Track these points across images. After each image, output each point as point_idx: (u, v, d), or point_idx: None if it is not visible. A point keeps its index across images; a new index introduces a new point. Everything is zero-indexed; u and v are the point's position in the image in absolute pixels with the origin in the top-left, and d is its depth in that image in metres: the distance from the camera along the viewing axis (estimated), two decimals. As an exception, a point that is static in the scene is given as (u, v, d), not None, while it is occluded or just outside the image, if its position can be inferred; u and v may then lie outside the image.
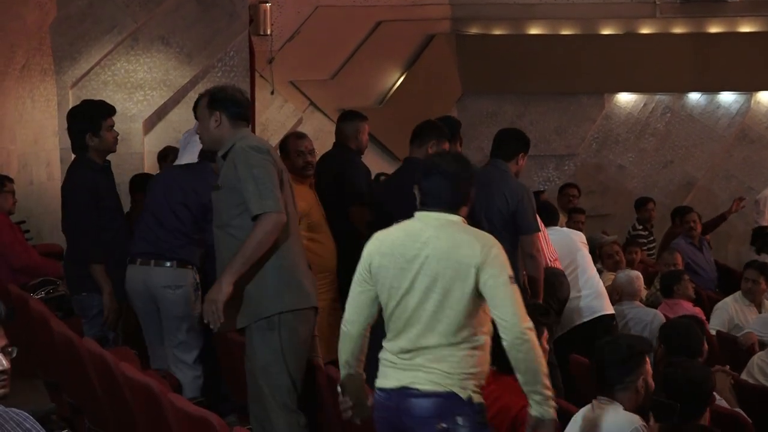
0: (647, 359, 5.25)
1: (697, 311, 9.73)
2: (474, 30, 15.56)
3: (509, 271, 4.98)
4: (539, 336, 5.64)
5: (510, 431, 5.43)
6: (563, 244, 8.77)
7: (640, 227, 13.74)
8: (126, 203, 8.66)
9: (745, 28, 15.67)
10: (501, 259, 4.98)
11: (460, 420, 4.98)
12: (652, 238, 13.79)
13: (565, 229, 9.33)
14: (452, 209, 5.12)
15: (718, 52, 15.48)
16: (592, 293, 8.66)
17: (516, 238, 8.04)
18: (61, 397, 7.25)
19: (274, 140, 13.85)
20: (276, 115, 13.98)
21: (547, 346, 5.74)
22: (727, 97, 15.84)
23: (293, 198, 6.38)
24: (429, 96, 14.67)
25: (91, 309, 7.65)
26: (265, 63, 13.68)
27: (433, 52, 15.21)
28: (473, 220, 5.74)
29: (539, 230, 8.13)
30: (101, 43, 11.41)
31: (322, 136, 13.82)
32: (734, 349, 9.08)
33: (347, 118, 9.33)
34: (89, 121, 7.64)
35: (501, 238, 5.44)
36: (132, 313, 7.87)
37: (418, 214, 5.17)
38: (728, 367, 7.24)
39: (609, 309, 8.75)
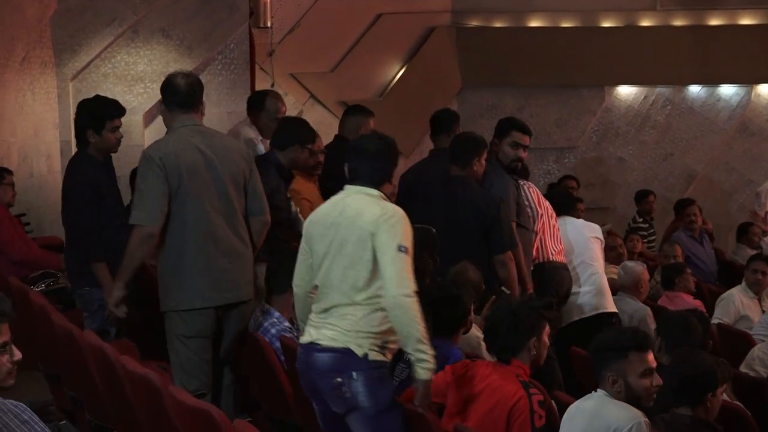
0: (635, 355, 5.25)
1: (698, 304, 9.74)
2: (474, 22, 15.56)
3: (400, 242, 5.41)
4: (541, 331, 5.67)
5: (508, 421, 5.45)
6: (572, 236, 8.72)
7: (641, 220, 13.76)
8: (126, 196, 8.65)
9: (746, 21, 15.66)
10: (395, 230, 5.44)
11: (355, 375, 5.41)
12: (652, 230, 13.80)
13: (579, 221, 9.17)
14: (373, 184, 5.63)
15: (719, 45, 15.47)
16: (593, 290, 8.62)
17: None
18: (61, 390, 7.25)
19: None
20: (276, 108, 13.98)
21: (547, 341, 5.75)
22: (728, 90, 15.83)
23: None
24: (429, 88, 14.67)
25: (93, 303, 7.63)
26: (266, 55, 13.67)
27: (434, 44, 15.20)
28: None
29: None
30: (101, 36, 11.40)
31: (322, 129, 13.71)
32: (734, 342, 9.09)
33: (350, 112, 9.41)
34: (92, 118, 7.56)
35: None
36: (133, 306, 7.88)
37: (345, 188, 5.72)
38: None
39: (610, 307, 8.70)
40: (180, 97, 6.74)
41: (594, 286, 8.63)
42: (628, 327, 5.50)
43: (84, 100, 8.10)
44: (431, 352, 5.37)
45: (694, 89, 15.87)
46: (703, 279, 11.84)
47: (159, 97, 7.35)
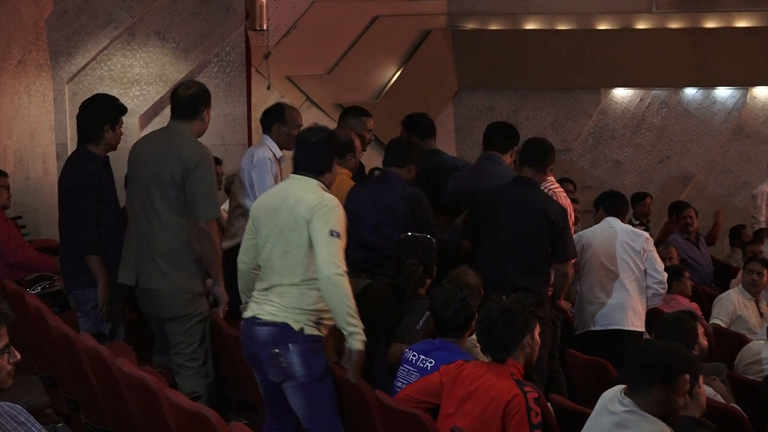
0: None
1: (694, 306, 9.76)
2: (470, 25, 15.56)
3: (333, 227, 5.94)
4: (534, 328, 5.71)
5: (503, 418, 5.45)
6: (604, 242, 8.63)
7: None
8: (122, 198, 8.64)
9: (742, 24, 15.68)
10: (328, 216, 5.97)
11: (291, 347, 5.98)
12: (649, 233, 13.80)
13: (627, 227, 8.91)
14: (314, 174, 6.18)
15: (715, 48, 15.49)
16: (615, 303, 8.46)
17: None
18: (57, 392, 7.24)
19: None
20: (272, 110, 13.98)
21: (539, 339, 5.78)
22: (724, 93, 15.85)
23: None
24: (425, 91, 14.68)
25: (87, 303, 7.67)
26: (262, 58, 13.67)
27: (430, 47, 15.21)
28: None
29: None
30: (97, 38, 11.40)
31: (318, 131, 13.82)
32: (730, 344, 9.10)
33: (348, 114, 9.40)
34: (109, 113, 7.73)
35: None
36: (131, 308, 7.88)
37: (289, 176, 6.30)
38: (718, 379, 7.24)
39: (629, 325, 8.43)
40: (172, 102, 7.46)
41: (617, 299, 8.48)
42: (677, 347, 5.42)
43: (94, 97, 8.11)
44: (361, 325, 5.91)
45: (690, 92, 15.88)
46: (699, 281, 11.86)
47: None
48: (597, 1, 15.61)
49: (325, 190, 6.15)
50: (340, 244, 5.96)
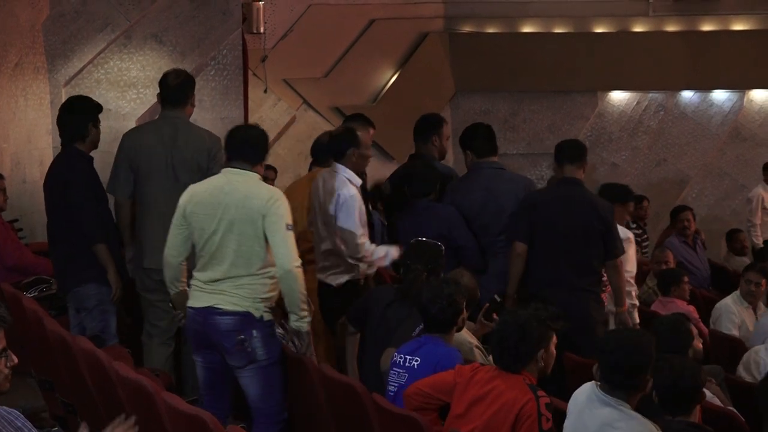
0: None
1: (691, 309, 9.75)
2: (467, 28, 15.56)
3: (287, 221, 6.42)
4: (549, 342, 5.68)
5: (514, 424, 5.45)
6: None
7: (634, 225, 13.75)
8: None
9: (738, 26, 15.68)
10: (282, 210, 6.43)
11: (254, 332, 6.45)
12: (645, 236, 13.80)
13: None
14: (250, 166, 6.58)
15: (711, 51, 15.49)
16: None
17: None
18: (54, 396, 7.24)
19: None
20: (269, 113, 13.97)
21: (554, 351, 5.76)
22: (720, 95, 15.85)
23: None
24: (422, 94, 14.67)
25: (89, 300, 7.73)
26: (258, 61, 13.66)
27: (427, 50, 15.21)
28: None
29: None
30: (94, 42, 11.38)
31: (315, 135, 13.74)
32: (728, 348, 9.10)
33: (349, 121, 9.39)
34: (91, 112, 7.98)
35: None
36: (126, 312, 7.90)
37: (223, 170, 6.64)
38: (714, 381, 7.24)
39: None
40: (163, 90, 8.03)
41: None
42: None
43: (73, 99, 8.32)
44: (308, 307, 6.55)
45: (687, 95, 15.88)
46: (696, 285, 11.85)
47: (152, 102, 7.65)
48: (594, 4, 15.61)
49: (265, 184, 6.65)
50: (293, 236, 6.47)
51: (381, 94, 14.88)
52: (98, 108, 8.08)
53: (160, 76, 10.96)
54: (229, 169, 6.61)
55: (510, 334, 5.66)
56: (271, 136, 13.81)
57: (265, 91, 13.83)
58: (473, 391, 5.66)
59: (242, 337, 6.44)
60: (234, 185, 6.52)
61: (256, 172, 6.60)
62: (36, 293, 8.69)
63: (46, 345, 6.97)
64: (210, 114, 11.68)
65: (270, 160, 13.25)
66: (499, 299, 7.51)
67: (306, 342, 6.59)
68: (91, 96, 8.96)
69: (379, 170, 9.35)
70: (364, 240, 7.84)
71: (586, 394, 5.36)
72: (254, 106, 13.46)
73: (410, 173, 8.61)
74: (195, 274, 6.64)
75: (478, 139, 8.69)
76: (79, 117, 7.96)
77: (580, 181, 8.18)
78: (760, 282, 9.97)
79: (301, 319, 6.53)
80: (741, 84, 15.71)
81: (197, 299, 6.58)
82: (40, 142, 11.10)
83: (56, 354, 6.84)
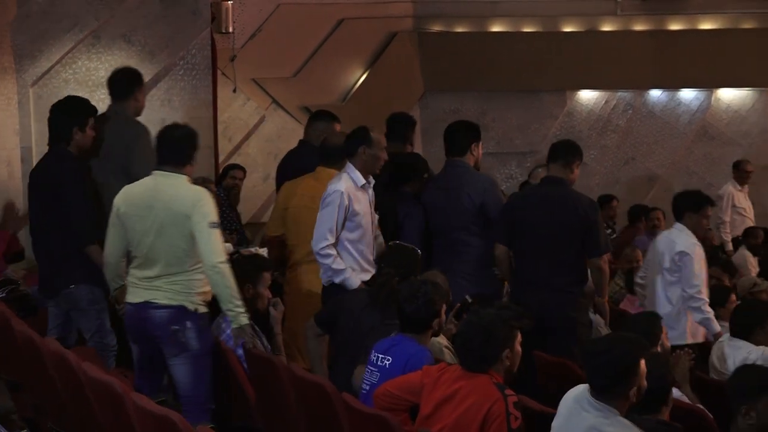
0: None
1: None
2: (436, 27, 15.58)
3: (211, 219, 6.68)
4: (513, 341, 5.67)
5: (482, 425, 5.45)
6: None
7: (604, 225, 13.79)
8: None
9: (706, 26, 15.76)
10: (205, 210, 6.70)
11: (188, 324, 6.77)
12: (615, 236, 13.85)
13: (678, 233, 8.84)
14: (178, 168, 6.83)
15: (679, 50, 15.56)
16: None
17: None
18: (22, 398, 7.20)
19: (237, 138, 13.84)
20: (238, 113, 13.95)
21: (519, 350, 5.75)
22: (688, 94, 15.92)
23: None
24: (391, 93, 14.67)
25: (82, 300, 7.73)
26: (228, 61, 13.64)
27: (396, 49, 15.21)
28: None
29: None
30: (62, 41, 11.35)
31: (284, 134, 13.82)
32: (699, 347, 9.13)
33: (316, 118, 9.41)
34: (81, 115, 7.93)
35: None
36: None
37: (153, 173, 6.89)
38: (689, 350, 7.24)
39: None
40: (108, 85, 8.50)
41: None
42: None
43: (62, 100, 8.23)
44: (240, 298, 6.74)
45: (655, 93, 15.95)
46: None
47: None
48: (562, 3, 15.65)
49: (193, 184, 6.88)
50: (218, 233, 6.75)
51: (350, 94, 14.87)
52: (88, 112, 8.01)
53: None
54: (158, 171, 6.90)
55: (474, 335, 5.65)
56: (240, 135, 13.82)
57: (234, 91, 13.80)
58: (441, 391, 5.66)
59: (176, 327, 6.77)
60: (161, 188, 6.83)
61: (185, 173, 6.87)
62: (4, 294, 8.66)
63: (14, 346, 6.95)
64: (179, 114, 11.66)
65: (239, 159, 13.27)
66: (470, 300, 7.52)
67: (248, 332, 6.78)
68: (59, 96, 8.93)
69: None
70: (326, 242, 7.80)
71: (575, 396, 5.37)
72: (223, 105, 13.44)
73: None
74: (131, 270, 6.98)
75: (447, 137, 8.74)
76: (63, 120, 7.93)
77: (564, 180, 8.15)
78: (722, 278, 10.00)
79: (237, 314, 6.75)
80: (708, 83, 15.78)
81: (135, 295, 6.91)
82: (8, 143, 11.05)
83: (24, 355, 6.82)
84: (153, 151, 7.19)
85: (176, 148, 6.91)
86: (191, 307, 6.81)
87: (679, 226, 8.75)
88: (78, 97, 8.49)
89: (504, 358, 5.65)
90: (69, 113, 7.95)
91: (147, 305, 6.85)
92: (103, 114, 8.36)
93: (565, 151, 8.23)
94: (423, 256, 7.78)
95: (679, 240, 8.68)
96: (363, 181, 7.94)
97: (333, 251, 7.77)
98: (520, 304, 7.77)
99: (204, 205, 6.74)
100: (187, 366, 6.82)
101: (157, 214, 6.78)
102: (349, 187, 7.85)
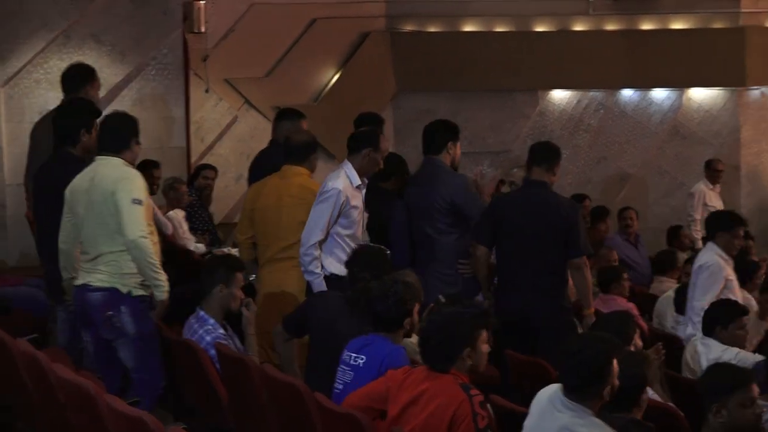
0: None
1: (631, 306, 9.83)
2: (409, 27, 15.58)
3: (134, 196, 6.91)
4: (475, 340, 5.66)
5: (449, 427, 5.45)
6: None
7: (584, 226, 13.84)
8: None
9: (677, 25, 15.80)
10: (129, 186, 6.94)
11: (122, 309, 6.97)
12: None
13: (705, 251, 8.89)
14: (115, 152, 7.10)
15: (651, 49, 15.59)
16: None
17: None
18: (-7, 399, 7.18)
19: (209, 138, 13.80)
20: (211, 114, 13.91)
21: (483, 349, 5.73)
22: (660, 94, 15.96)
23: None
24: (364, 93, 14.67)
25: None
26: (200, 61, 13.59)
27: (368, 49, 15.20)
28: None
29: None
30: (33, 41, 11.31)
31: (257, 134, 13.79)
32: (665, 344, 9.16)
33: (281, 117, 9.40)
34: (83, 117, 7.94)
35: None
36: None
37: (95, 159, 7.18)
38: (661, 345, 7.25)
39: None
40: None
41: None
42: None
43: (70, 102, 8.28)
44: (165, 277, 6.95)
45: (627, 93, 15.99)
46: (637, 281, 11.96)
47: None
48: (534, 3, 15.67)
49: (127, 166, 7.11)
50: (141, 210, 6.93)
51: (323, 94, 14.86)
52: (93, 114, 8.01)
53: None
54: (98, 157, 7.21)
55: (433, 333, 5.65)
56: (213, 135, 13.80)
57: (207, 91, 13.76)
58: (407, 393, 5.64)
59: (110, 313, 6.98)
60: (97, 171, 7.09)
61: (123, 158, 7.14)
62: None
63: (-15, 347, 6.91)
64: (151, 114, 11.65)
65: (211, 160, 13.25)
66: (443, 300, 7.52)
67: (160, 309, 7.02)
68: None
69: (321, 169, 9.33)
70: (315, 239, 7.82)
71: (549, 395, 5.38)
72: (196, 106, 13.41)
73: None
74: (82, 256, 7.21)
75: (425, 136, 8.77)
76: (69, 122, 7.93)
77: (546, 183, 8.21)
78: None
79: (156, 287, 6.97)
80: (680, 82, 15.83)
81: (79, 278, 7.18)
82: (-22, 143, 11.03)
83: (-5, 356, 6.78)
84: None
85: (114, 136, 7.18)
86: (124, 289, 6.99)
87: (710, 245, 8.81)
88: (82, 99, 8.54)
89: (465, 357, 5.62)
90: (74, 116, 8.00)
91: (85, 288, 7.09)
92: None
93: (548, 155, 8.28)
94: (408, 256, 7.83)
95: (702, 256, 8.80)
96: (359, 182, 7.99)
97: (316, 253, 7.83)
98: (504, 306, 7.86)
99: (128, 182, 6.99)
100: (128, 348, 7.04)
101: (91, 195, 7.05)
102: (347, 186, 7.91)
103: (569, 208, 8.20)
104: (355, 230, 7.99)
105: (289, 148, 8.48)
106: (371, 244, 7.58)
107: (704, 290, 8.55)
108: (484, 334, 5.72)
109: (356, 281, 7.00)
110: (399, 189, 8.81)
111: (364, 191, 8.06)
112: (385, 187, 8.75)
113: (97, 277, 7.05)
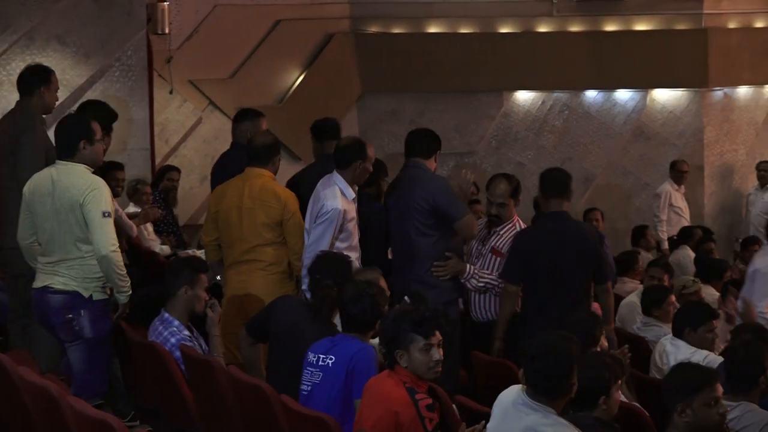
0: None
1: (595, 306, 9.83)
2: (373, 29, 15.59)
3: (104, 208, 6.97)
4: (407, 343, 5.67)
5: (396, 429, 5.48)
6: None
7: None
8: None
9: (641, 27, 15.88)
10: (98, 199, 6.98)
11: (83, 312, 7.05)
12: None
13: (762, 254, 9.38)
14: (71, 157, 7.08)
15: (614, 51, 15.66)
16: None
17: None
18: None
19: (174, 140, 13.77)
20: (175, 115, 13.88)
21: (418, 354, 5.70)
22: (623, 95, 16.03)
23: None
24: (329, 95, 14.68)
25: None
26: (164, 62, 13.57)
27: (333, 50, 15.21)
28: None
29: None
30: (-5, 43, 11.26)
31: (221, 136, 13.73)
32: (630, 345, 9.19)
33: (240, 118, 9.38)
34: (85, 129, 7.41)
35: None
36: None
37: (55, 162, 7.18)
38: (627, 348, 7.28)
39: None
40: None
41: None
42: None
43: (91, 101, 8.29)
44: (128, 282, 7.13)
45: (591, 94, 16.05)
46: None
47: (56, 104, 7.65)
48: (498, 4, 15.70)
49: (91, 173, 7.12)
50: (111, 223, 7.02)
51: (287, 95, 14.85)
52: (89, 126, 7.56)
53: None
54: (58, 161, 7.18)
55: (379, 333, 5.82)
56: (177, 137, 13.76)
57: (171, 93, 13.74)
58: (365, 397, 5.76)
59: (70, 316, 7.05)
60: (60, 176, 7.08)
61: (83, 163, 7.11)
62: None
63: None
64: (115, 115, 11.57)
65: (175, 161, 13.21)
66: (408, 301, 7.51)
67: (122, 309, 7.21)
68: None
69: (285, 171, 9.32)
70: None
71: (511, 397, 5.38)
72: (160, 107, 13.38)
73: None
74: (38, 257, 7.25)
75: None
76: (65, 133, 7.48)
77: (566, 213, 8.30)
78: (663, 278, 10.07)
79: (119, 292, 7.13)
80: (644, 83, 15.90)
81: (38, 280, 7.22)
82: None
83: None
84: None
85: (65, 141, 7.18)
86: (86, 293, 7.06)
87: (766, 248, 9.25)
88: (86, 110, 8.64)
89: (397, 358, 5.67)
90: (70, 128, 7.53)
91: (45, 290, 7.13)
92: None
93: (565, 187, 8.39)
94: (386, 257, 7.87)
95: (758, 258, 9.26)
96: (353, 194, 8.06)
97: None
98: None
99: (96, 194, 7.00)
100: (81, 351, 7.13)
101: (55, 202, 7.05)
102: (344, 203, 7.97)
103: (594, 236, 8.38)
104: (352, 241, 8.05)
105: (251, 150, 8.45)
106: (334, 251, 7.57)
107: (761, 295, 8.94)
108: (434, 339, 5.74)
109: (319, 288, 6.98)
110: (378, 192, 8.81)
111: (354, 204, 8.13)
112: (369, 192, 8.75)
113: (59, 280, 7.10)
